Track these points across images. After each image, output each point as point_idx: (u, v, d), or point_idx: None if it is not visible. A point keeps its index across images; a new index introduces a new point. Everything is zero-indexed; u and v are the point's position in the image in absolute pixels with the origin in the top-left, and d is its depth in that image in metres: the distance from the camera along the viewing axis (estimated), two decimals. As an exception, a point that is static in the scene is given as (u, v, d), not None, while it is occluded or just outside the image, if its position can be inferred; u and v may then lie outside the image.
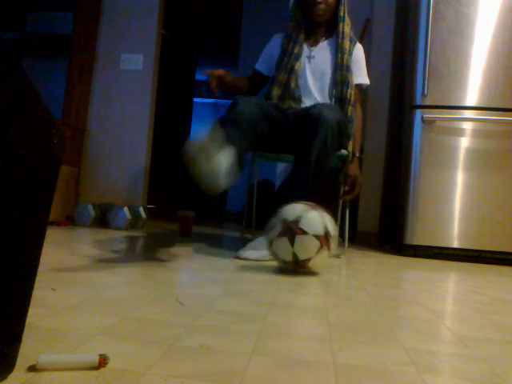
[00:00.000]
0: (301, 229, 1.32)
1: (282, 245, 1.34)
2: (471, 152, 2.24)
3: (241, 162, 1.54)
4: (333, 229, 1.37)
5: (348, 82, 1.94)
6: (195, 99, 5.36)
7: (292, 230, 1.33)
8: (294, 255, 1.33)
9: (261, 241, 1.66)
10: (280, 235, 1.35)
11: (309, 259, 1.34)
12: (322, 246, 1.33)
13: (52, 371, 0.52)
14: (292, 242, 1.32)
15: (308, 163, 1.66)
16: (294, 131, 1.80)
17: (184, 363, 0.57)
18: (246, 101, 1.68)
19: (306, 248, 1.33)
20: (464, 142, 2.25)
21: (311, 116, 1.68)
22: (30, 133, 0.48)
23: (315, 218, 1.35)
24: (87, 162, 3.12)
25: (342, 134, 1.76)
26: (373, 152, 2.86)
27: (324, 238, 1.34)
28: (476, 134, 2.24)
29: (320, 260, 1.37)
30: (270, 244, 1.40)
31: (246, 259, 1.60)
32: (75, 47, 3.11)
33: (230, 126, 1.58)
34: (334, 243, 1.38)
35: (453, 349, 0.73)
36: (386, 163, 2.89)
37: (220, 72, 1.77)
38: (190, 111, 5.01)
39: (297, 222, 1.33)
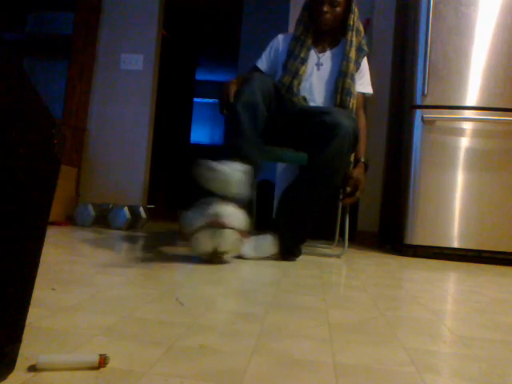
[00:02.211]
0: (222, 222, 1.39)
1: (204, 237, 1.42)
2: (471, 152, 2.24)
3: (256, 168, 1.59)
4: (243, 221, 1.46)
5: (350, 91, 1.94)
6: (195, 99, 5.36)
7: (213, 223, 1.40)
8: (214, 248, 1.41)
9: (262, 239, 1.67)
10: (202, 228, 1.41)
11: (226, 252, 1.44)
12: (239, 239, 1.45)
13: (52, 371, 0.52)
14: (213, 235, 1.40)
15: (321, 167, 1.66)
16: (301, 127, 1.80)
17: (184, 363, 0.57)
18: (259, 79, 1.70)
19: (226, 241, 1.41)
20: (464, 142, 2.24)
21: (327, 123, 1.66)
22: (30, 133, 0.48)
23: (235, 212, 1.44)
24: (87, 162, 3.12)
25: (356, 141, 1.76)
26: (373, 152, 2.86)
27: (242, 232, 1.44)
28: (476, 133, 2.24)
29: (235, 251, 1.48)
30: (191, 236, 1.45)
31: (251, 258, 1.61)
32: (75, 47, 3.11)
33: (241, 112, 1.59)
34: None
35: (453, 349, 0.73)
36: (386, 163, 2.88)
37: (235, 90, 1.71)
38: (190, 111, 5.01)
39: (218, 215, 1.41)
